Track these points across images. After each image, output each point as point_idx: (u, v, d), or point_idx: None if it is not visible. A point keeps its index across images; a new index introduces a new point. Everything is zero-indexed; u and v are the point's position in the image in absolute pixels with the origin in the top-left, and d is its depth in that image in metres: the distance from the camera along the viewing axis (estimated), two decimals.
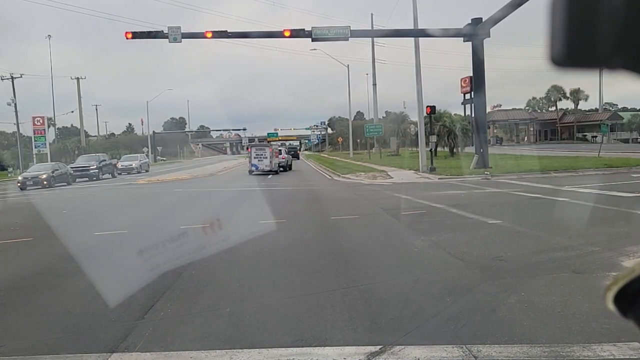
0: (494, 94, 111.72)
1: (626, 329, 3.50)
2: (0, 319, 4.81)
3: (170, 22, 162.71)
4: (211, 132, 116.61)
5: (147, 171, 39.46)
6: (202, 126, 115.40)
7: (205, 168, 42.06)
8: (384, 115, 71.21)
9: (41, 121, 48.61)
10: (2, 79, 45.93)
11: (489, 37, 22.96)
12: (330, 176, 26.52)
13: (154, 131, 75.61)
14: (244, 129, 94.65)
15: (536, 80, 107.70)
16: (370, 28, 43.12)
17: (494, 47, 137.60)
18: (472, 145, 28.73)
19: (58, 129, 79.45)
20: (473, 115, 26.70)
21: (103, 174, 32.72)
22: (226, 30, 22.88)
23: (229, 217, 11.49)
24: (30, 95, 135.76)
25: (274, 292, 5.29)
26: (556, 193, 12.93)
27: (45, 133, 49.19)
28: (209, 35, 22.42)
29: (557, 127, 74.97)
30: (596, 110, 77.81)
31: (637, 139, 65.08)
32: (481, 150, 23.14)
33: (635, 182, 15.38)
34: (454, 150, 41.48)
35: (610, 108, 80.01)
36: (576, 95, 72.63)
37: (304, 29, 22.77)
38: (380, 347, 3.65)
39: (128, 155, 46.35)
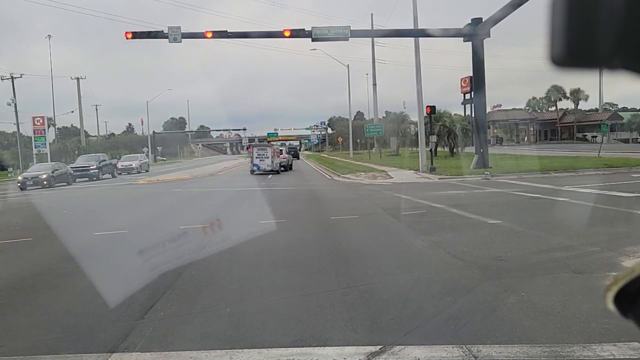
0: (494, 94, 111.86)
1: (626, 329, 3.50)
2: (0, 319, 4.81)
3: (170, 22, 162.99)
4: (211, 132, 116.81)
5: (147, 171, 39.46)
6: (202, 126, 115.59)
7: (205, 168, 42.06)
8: (384, 115, 71.30)
9: (41, 121, 48.62)
10: (2, 79, 46.01)
11: (489, 37, 22.98)
12: (330, 176, 26.51)
13: (154, 131, 75.68)
14: (244, 129, 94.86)
15: (536, 80, 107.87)
16: (370, 28, 43.13)
17: (494, 47, 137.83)
18: (472, 145, 28.73)
19: (58, 129, 79.60)
20: (473, 115, 26.70)
21: (103, 174, 32.72)
22: (226, 30, 22.89)
23: (229, 217, 11.49)
24: (30, 95, 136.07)
25: (274, 292, 5.29)
26: (556, 193, 12.93)
27: (45, 133, 49.20)
28: (209, 35, 22.43)
29: (557, 127, 74.98)
30: (596, 110, 77.83)
31: (637, 139, 65.08)
32: (481, 150, 23.14)
33: (635, 182, 15.38)
34: (454, 150, 41.48)
35: (610, 108, 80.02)
36: (576, 95, 72.64)
37: (304, 29, 22.77)
38: (380, 347, 3.65)
39: (128, 155, 46.35)
